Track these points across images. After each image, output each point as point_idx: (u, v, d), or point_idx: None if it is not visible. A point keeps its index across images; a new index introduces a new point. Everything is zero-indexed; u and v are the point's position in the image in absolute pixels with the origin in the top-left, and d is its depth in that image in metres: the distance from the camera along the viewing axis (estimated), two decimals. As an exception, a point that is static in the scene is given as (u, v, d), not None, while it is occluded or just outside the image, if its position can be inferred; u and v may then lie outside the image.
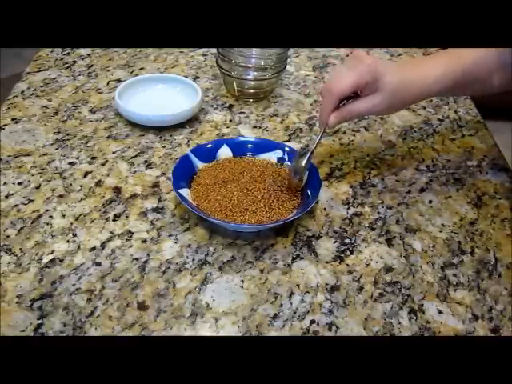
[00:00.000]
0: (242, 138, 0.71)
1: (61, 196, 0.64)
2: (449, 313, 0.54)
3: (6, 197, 0.63)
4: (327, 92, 0.60)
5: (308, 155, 0.63)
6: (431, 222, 0.64)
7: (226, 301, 0.53)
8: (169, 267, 0.56)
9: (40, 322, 0.50)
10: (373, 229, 0.63)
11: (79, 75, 0.88)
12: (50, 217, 0.61)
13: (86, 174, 0.68)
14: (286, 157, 0.69)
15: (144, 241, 0.59)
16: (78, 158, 0.70)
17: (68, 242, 0.58)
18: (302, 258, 0.58)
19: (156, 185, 0.67)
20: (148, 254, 0.58)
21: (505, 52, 0.60)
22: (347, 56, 0.97)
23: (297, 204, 0.63)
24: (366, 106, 0.61)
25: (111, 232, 0.60)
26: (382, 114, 0.68)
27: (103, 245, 0.58)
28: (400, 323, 0.52)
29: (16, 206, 0.62)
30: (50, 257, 0.57)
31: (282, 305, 0.53)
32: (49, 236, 0.59)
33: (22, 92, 0.83)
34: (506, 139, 1.39)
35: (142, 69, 0.91)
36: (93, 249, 0.58)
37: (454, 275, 0.58)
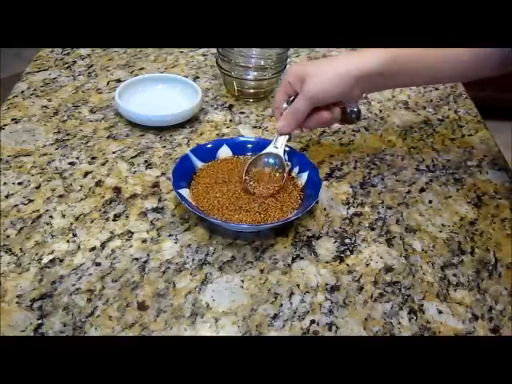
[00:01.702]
0: (241, 138, 0.71)
1: (61, 196, 0.64)
2: (449, 313, 0.54)
3: (6, 197, 0.63)
4: (272, 110, 0.67)
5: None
6: (431, 222, 0.64)
7: (225, 301, 0.53)
8: (169, 267, 0.56)
9: (40, 321, 0.50)
10: (373, 229, 0.63)
11: (79, 75, 0.88)
12: (50, 217, 0.61)
13: (86, 174, 0.68)
14: (286, 157, 0.68)
15: (144, 241, 0.59)
16: (78, 158, 0.70)
17: (68, 241, 0.58)
18: (302, 258, 0.58)
19: (156, 185, 0.67)
20: (148, 254, 0.58)
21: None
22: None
23: (297, 204, 0.63)
24: (299, 96, 0.62)
25: (111, 232, 0.60)
26: (322, 98, 0.63)
27: (103, 245, 0.58)
28: (400, 323, 0.52)
29: (16, 206, 0.62)
30: (50, 257, 0.57)
31: (282, 305, 0.53)
32: (49, 236, 0.59)
33: (22, 92, 0.83)
34: (506, 139, 1.39)
35: (142, 69, 0.91)
36: (93, 249, 0.58)
37: (454, 275, 0.58)
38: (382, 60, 0.60)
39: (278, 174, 0.65)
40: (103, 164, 0.70)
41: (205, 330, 0.51)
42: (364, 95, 0.67)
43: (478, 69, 0.63)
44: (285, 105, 0.65)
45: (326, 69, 0.61)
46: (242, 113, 0.82)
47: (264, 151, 0.66)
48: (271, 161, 0.66)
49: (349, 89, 0.61)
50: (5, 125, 0.76)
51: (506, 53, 0.60)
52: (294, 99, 0.64)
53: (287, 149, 0.69)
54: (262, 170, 0.66)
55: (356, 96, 0.64)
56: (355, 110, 0.67)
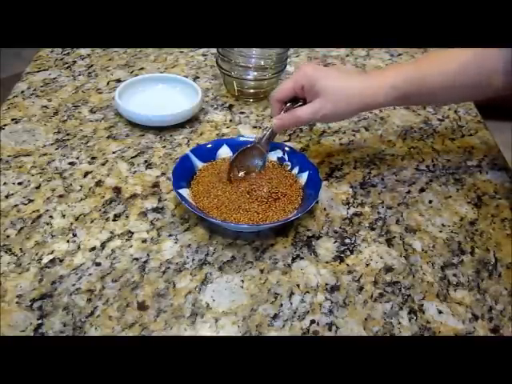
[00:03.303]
0: (241, 138, 0.71)
1: (61, 196, 0.64)
2: (449, 313, 0.54)
3: (6, 197, 0.63)
4: (270, 98, 0.66)
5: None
6: (431, 222, 0.64)
7: (225, 301, 0.53)
8: (169, 267, 0.56)
9: (40, 321, 0.50)
10: (373, 229, 0.63)
11: (79, 75, 0.88)
12: (50, 217, 0.61)
13: (86, 174, 0.68)
14: (286, 157, 0.69)
15: (144, 241, 0.59)
16: (78, 158, 0.70)
17: (68, 241, 0.58)
18: (302, 258, 0.58)
19: (156, 185, 0.67)
20: (148, 254, 0.58)
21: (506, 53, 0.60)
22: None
23: (297, 204, 0.62)
24: (307, 110, 0.62)
25: (111, 232, 0.60)
26: (326, 120, 0.66)
27: (103, 245, 0.58)
28: (400, 323, 0.52)
29: (16, 206, 0.62)
30: (50, 257, 0.57)
31: (281, 305, 0.53)
32: (49, 236, 0.59)
33: (22, 92, 0.83)
34: (506, 139, 1.39)
35: (142, 69, 0.91)
36: (93, 249, 0.58)
37: (454, 275, 0.58)
38: (398, 92, 0.61)
39: (259, 164, 0.66)
40: (103, 164, 0.70)
41: (205, 330, 0.51)
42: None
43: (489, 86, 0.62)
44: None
45: (341, 93, 0.61)
46: (242, 113, 0.82)
47: (249, 145, 0.66)
48: (254, 153, 0.66)
49: (356, 114, 0.65)
50: (5, 125, 0.76)
51: None
52: (295, 100, 0.64)
53: (287, 149, 0.69)
54: (246, 162, 0.66)
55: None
56: None
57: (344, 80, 0.62)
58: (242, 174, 0.64)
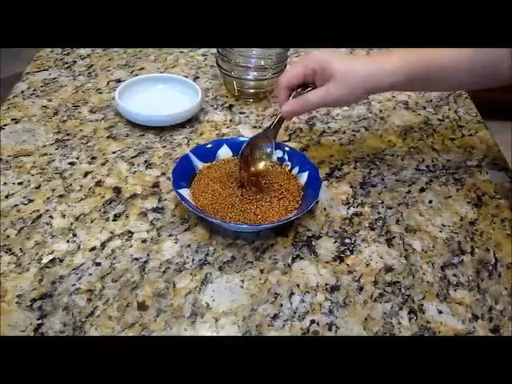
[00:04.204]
0: (241, 138, 0.71)
1: (61, 196, 0.64)
2: (449, 313, 0.54)
3: (6, 197, 0.63)
4: (277, 84, 0.64)
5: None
6: (431, 222, 0.64)
7: (225, 301, 0.53)
8: (169, 267, 0.56)
9: (40, 321, 0.50)
10: (373, 229, 0.63)
11: (79, 75, 0.88)
12: (50, 217, 0.61)
13: (86, 174, 0.68)
14: (286, 157, 0.69)
15: (144, 241, 0.59)
16: (78, 158, 0.70)
17: (68, 241, 0.58)
18: (302, 258, 0.58)
19: (156, 185, 0.67)
20: (148, 254, 0.58)
21: None
22: None
23: (297, 204, 0.62)
24: (319, 93, 0.61)
25: (111, 232, 0.60)
26: (334, 103, 0.64)
27: (103, 245, 0.58)
28: (400, 323, 0.52)
29: (16, 206, 0.62)
30: (50, 257, 0.57)
31: (281, 305, 0.53)
32: (49, 236, 0.59)
33: (22, 92, 0.83)
34: (505, 139, 1.39)
35: (142, 69, 0.91)
36: (93, 249, 0.58)
37: (454, 275, 0.58)
38: (406, 74, 0.60)
39: (266, 158, 0.65)
40: (103, 164, 0.70)
41: (205, 329, 0.51)
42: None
43: (495, 75, 0.62)
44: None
45: (354, 76, 0.60)
46: (242, 113, 0.82)
47: (259, 135, 0.66)
48: (263, 145, 0.66)
49: (364, 96, 0.62)
50: (5, 125, 0.76)
51: None
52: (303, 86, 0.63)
53: (287, 149, 0.69)
54: (253, 155, 0.65)
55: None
56: None
57: (356, 62, 0.61)
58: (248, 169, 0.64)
